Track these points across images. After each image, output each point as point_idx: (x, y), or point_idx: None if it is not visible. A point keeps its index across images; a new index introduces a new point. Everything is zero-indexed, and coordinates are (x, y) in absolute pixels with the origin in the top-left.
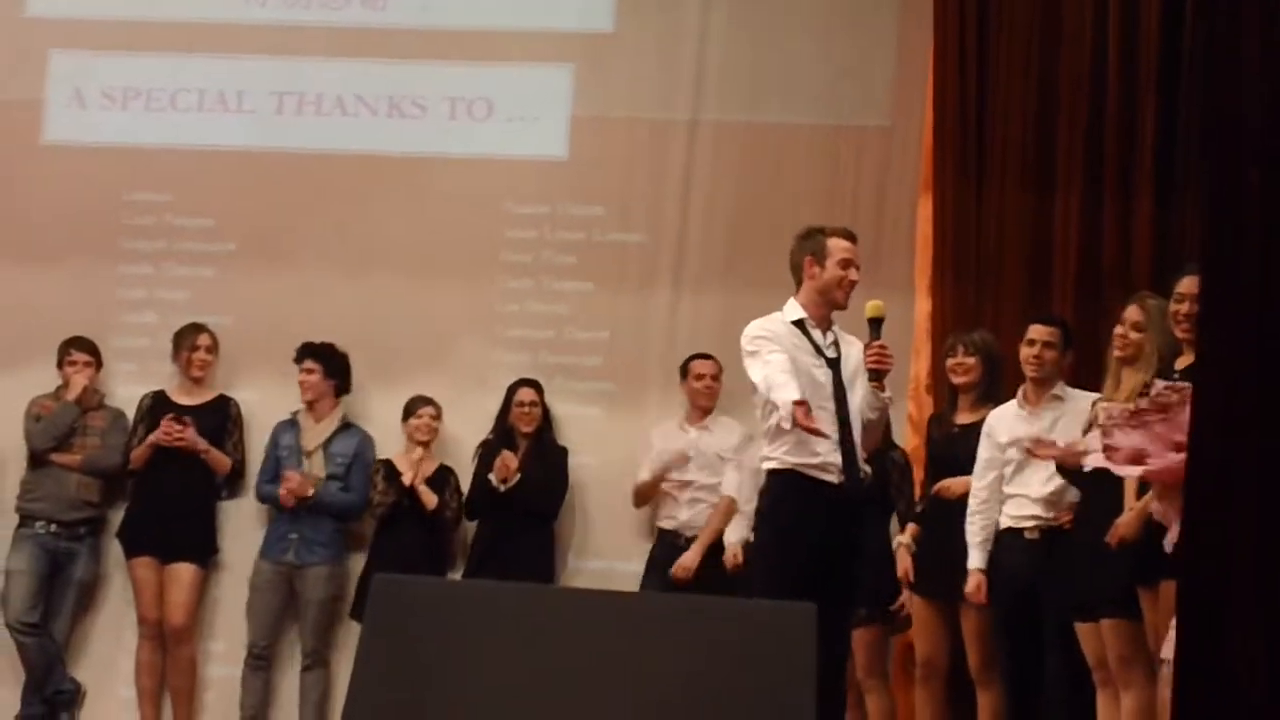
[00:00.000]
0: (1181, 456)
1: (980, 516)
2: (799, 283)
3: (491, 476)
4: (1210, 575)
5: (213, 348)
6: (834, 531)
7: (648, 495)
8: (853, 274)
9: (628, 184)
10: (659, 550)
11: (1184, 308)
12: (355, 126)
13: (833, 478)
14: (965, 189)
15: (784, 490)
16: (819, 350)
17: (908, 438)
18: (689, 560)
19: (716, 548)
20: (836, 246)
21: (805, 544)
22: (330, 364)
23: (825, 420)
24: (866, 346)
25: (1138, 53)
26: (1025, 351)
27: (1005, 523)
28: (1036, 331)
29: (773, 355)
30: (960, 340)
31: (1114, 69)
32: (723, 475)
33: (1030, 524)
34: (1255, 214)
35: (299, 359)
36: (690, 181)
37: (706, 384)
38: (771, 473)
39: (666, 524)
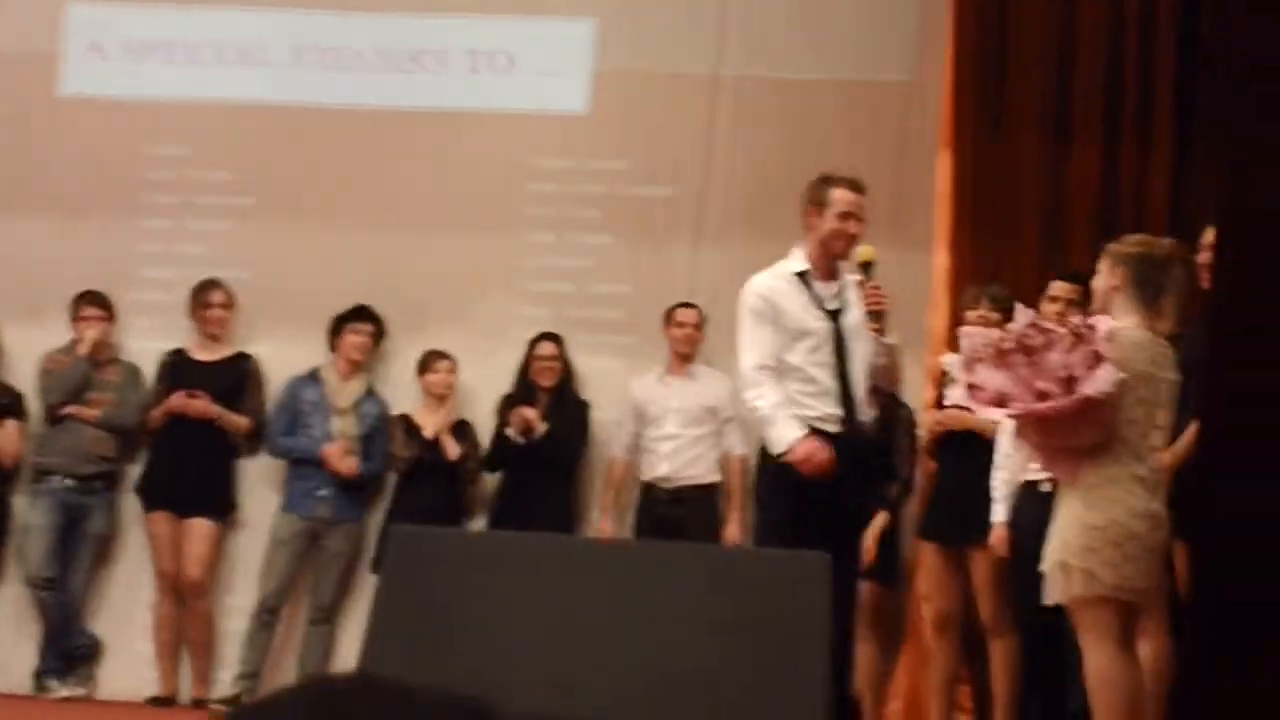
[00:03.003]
0: (1044, 405)
1: (1004, 471)
2: (807, 230)
3: (509, 431)
4: (1225, 535)
5: (228, 304)
6: (838, 481)
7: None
8: (852, 226)
9: (650, 138)
10: (644, 504)
11: (1208, 258)
12: (376, 80)
13: (834, 428)
14: (984, 143)
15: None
16: (819, 303)
17: (926, 391)
18: (733, 534)
19: (692, 494)
20: (839, 198)
21: (808, 493)
22: (378, 327)
23: (825, 373)
24: (860, 287)
25: (1157, 5)
26: (1047, 308)
27: (1025, 476)
28: (1060, 289)
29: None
30: (983, 293)
31: (1133, 22)
32: (706, 427)
33: (1045, 475)
34: (1276, 166)
35: (351, 319)
36: (713, 136)
37: (687, 332)
38: None
39: (648, 476)
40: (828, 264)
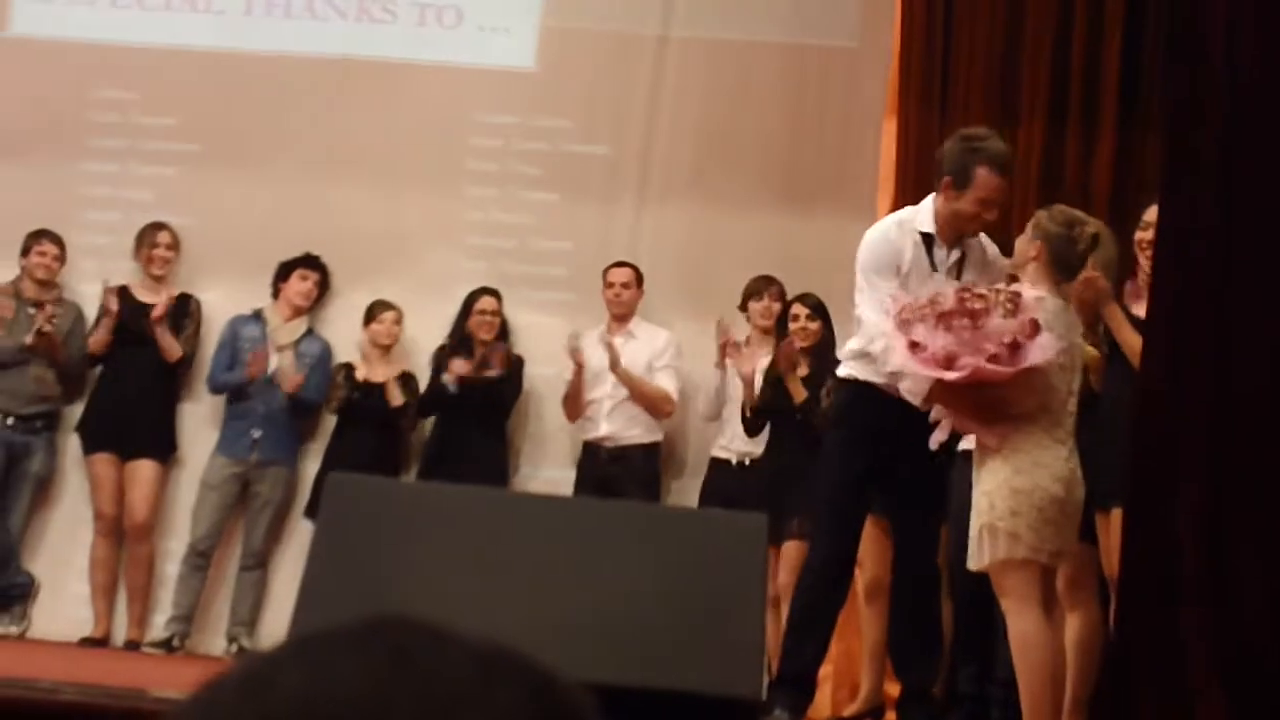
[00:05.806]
0: (993, 367)
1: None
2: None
3: (445, 378)
4: (1158, 505)
5: (173, 245)
6: (905, 440)
7: (575, 403)
8: (989, 215)
9: (594, 97)
10: (585, 462)
11: (1147, 235)
12: (324, 30)
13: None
14: (929, 114)
15: (853, 398)
16: (934, 267)
17: None
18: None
19: (632, 453)
20: (985, 181)
21: (873, 450)
22: (324, 277)
23: None
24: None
25: None
26: None
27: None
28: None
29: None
30: None
31: (1080, 2)
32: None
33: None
34: (1214, 150)
35: (299, 265)
36: (656, 96)
37: (615, 292)
38: (842, 381)
39: (590, 435)
40: (952, 235)
